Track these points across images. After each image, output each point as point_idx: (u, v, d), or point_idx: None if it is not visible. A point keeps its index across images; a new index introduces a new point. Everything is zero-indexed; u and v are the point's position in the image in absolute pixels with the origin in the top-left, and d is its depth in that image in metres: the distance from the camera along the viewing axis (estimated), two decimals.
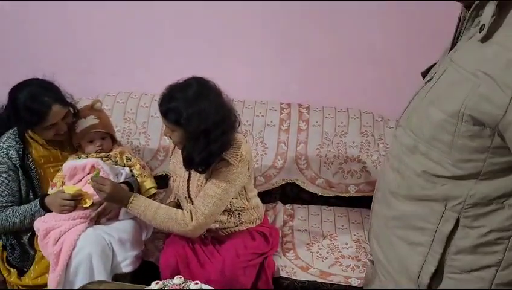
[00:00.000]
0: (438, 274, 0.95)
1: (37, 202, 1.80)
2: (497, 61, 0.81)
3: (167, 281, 1.43)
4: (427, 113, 0.91)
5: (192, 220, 1.71)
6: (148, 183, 1.94)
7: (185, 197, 1.83)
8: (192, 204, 1.79)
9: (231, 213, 1.84)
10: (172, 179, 1.93)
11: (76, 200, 1.75)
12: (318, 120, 2.35)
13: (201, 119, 1.61)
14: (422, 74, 1.08)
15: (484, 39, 0.84)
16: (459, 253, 0.92)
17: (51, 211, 1.78)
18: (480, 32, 0.85)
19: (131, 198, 1.71)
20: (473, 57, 0.86)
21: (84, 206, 1.76)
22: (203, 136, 1.64)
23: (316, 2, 2.33)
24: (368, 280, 1.19)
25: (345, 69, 2.46)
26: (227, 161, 1.70)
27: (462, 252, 0.92)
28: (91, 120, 1.88)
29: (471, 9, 0.89)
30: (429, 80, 0.97)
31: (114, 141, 2.01)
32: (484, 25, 0.84)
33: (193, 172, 1.78)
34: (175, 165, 1.89)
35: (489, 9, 0.83)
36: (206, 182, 1.75)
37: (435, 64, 1.04)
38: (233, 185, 1.74)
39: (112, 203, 1.76)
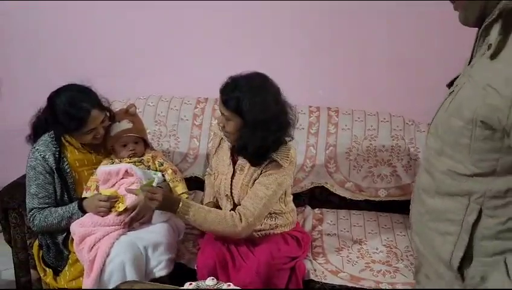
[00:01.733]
0: (466, 258, 1.08)
1: (75, 205, 1.84)
2: (501, 76, 0.96)
3: (200, 283, 1.45)
4: (449, 122, 1.08)
5: (241, 221, 1.72)
6: (180, 189, 1.96)
7: (226, 195, 1.85)
8: (233, 202, 1.82)
9: (268, 216, 1.85)
10: (213, 176, 1.94)
11: (112, 202, 1.79)
12: (347, 123, 2.33)
13: (262, 110, 1.65)
14: (447, 85, 1.21)
15: (492, 56, 0.99)
16: (483, 239, 1.06)
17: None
18: (488, 50, 1.00)
19: (181, 204, 1.71)
20: (484, 73, 1.01)
21: (118, 211, 1.79)
22: (261, 127, 1.67)
23: (345, 3, 2.32)
24: (416, 269, 1.31)
25: (374, 73, 2.44)
26: (278, 163, 1.73)
27: (486, 238, 1.06)
28: (125, 124, 1.92)
29: (481, 29, 1.04)
30: (452, 92, 1.12)
31: (147, 145, 2.04)
32: (491, 44, 0.99)
33: (238, 171, 1.81)
34: (218, 163, 1.91)
35: (495, 31, 0.99)
36: (252, 183, 1.78)
37: (459, 76, 1.17)
38: (282, 187, 1.78)
39: (162, 211, 1.78)
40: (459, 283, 1.11)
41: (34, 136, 1.93)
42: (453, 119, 1.06)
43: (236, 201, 1.84)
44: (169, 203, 1.72)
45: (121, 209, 1.78)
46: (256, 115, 1.65)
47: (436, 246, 1.13)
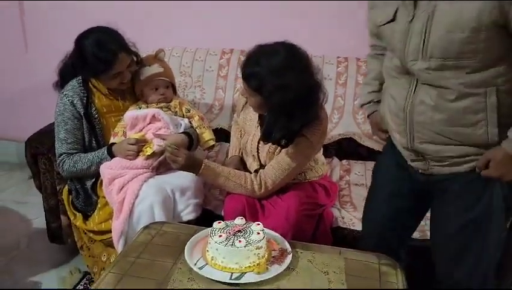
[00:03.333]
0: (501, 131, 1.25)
1: (104, 150, 1.85)
2: None
3: (229, 222, 1.45)
4: (448, 38, 1.18)
5: (261, 188, 1.72)
6: (207, 135, 1.95)
7: (253, 155, 1.83)
8: (260, 163, 1.80)
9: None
10: (240, 133, 1.91)
11: (140, 146, 1.79)
12: None
13: (284, 93, 1.53)
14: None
15: None
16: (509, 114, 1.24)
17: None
18: None
19: (203, 167, 1.71)
20: None
21: (146, 154, 1.79)
22: (284, 112, 1.58)
23: None
24: None
25: None
26: (306, 138, 1.67)
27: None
28: (156, 68, 1.90)
29: None
30: (412, 20, 1.24)
31: (175, 92, 2.02)
32: None
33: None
34: (245, 121, 1.87)
35: None
36: (279, 151, 1.74)
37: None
38: (308, 159, 1.75)
39: (183, 170, 1.76)
40: None
41: (62, 82, 1.93)
42: (453, 34, 1.17)
43: (263, 162, 1.82)
44: (191, 165, 1.72)
45: (148, 153, 1.78)
46: (278, 100, 1.54)
47: (467, 139, 1.28)
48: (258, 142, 1.80)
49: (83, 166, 1.85)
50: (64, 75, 1.92)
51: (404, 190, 1.51)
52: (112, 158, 1.84)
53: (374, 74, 1.58)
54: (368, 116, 1.65)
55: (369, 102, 1.61)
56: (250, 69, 1.57)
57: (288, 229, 1.66)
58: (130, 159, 1.79)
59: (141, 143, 1.80)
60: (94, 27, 1.83)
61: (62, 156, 1.87)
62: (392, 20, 1.32)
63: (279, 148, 1.74)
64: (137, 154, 1.79)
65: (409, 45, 1.27)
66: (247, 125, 1.85)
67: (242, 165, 1.93)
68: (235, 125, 2.06)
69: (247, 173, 1.78)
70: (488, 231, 1.37)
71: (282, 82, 1.52)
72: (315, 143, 1.70)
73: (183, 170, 1.74)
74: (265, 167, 1.76)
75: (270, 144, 1.74)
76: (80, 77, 1.89)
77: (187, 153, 1.72)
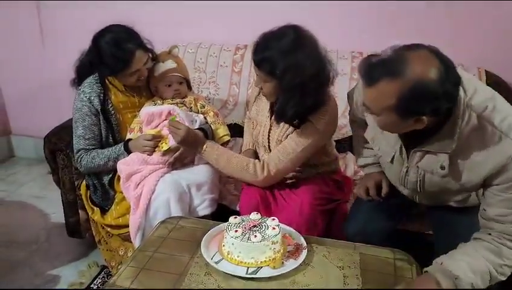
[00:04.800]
0: None
1: (121, 146, 1.88)
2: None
3: (245, 217, 1.46)
4: (446, 184, 1.42)
5: (263, 171, 1.72)
6: (222, 131, 1.97)
7: (264, 146, 1.84)
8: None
9: (313, 165, 1.83)
10: (252, 125, 1.92)
11: (156, 142, 1.81)
12: None
13: (297, 72, 1.54)
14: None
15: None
16: None
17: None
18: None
19: (205, 145, 1.74)
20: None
21: (162, 150, 1.82)
22: (298, 90, 1.58)
23: None
24: None
25: (421, 18, 2.34)
26: (312, 123, 1.67)
27: None
28: (170, 64, 1.92)
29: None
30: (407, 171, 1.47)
31: (189, 87, 2.03)
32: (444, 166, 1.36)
33: (274, 124, 1.77)
34: (257, 113, 1.87)
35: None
36: (285, 138, 1.74)
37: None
38: (314, 146, 1.72)
39: (185, 147, 1.79)
40: None
41: (79, 80, 1.95)
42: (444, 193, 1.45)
43: None
44: (193, 141, 1.74)
45: (164, 148, 1.81)
46: (292, 79, 1.55)
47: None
48: (269, 132, 1.80)
49: (100, 162, 1.88)
50: (81, 73, 1.95)
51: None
52: (128, 154, 1.86)
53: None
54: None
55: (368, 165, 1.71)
56: (261, 54, 1.58)
57: (302, 224, 1.66)
58: (148, 155, 1.81)
59: (157, 139, 1.82)
60: (111, 25, 1.85)
61: (80, 152, 1.91)
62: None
63: (285, 135, 1.74)
64: (153, 149, 1.82)
65: (407, 184, 1.49)
66: (260, 116, 1.86)
67: (255, 158, 1.93)
68: (248, 121, 2.08)
69: (250, 158, 1.79)
70: None
71: (295, 61, 1.53)
72: (321, 130, 1.68)
73: (184, 145, 1.76)
74: (271, 151, 1.77)
75: (279, 132, 1.74)
76: (97, 74, 1.92)
77: (188, 127, 1.75)
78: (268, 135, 1.81)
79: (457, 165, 1.31)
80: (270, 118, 1.80)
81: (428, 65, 1.15)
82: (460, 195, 1.47)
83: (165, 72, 1.91)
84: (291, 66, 1.54)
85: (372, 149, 1.60)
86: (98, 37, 1.84)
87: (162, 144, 1.84)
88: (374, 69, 1.19)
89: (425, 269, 1.30)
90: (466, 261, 1.25)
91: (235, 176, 1.78)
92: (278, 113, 1.68)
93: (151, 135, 1.81)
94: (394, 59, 1.17)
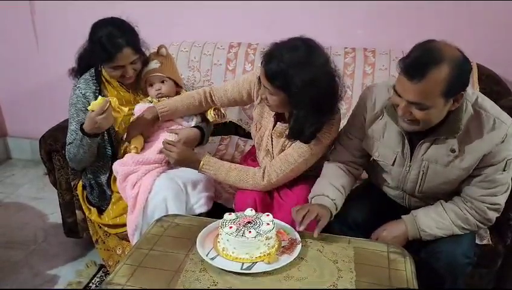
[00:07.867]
0: None
1: (78, 131, 1.81)
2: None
3: (239, 213, 1.48)
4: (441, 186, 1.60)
5: (263, 179, 1.73)
6: (210, 116, 1.97)
7: (267, 150, 1.83)
8: (273, 158, 1.80)
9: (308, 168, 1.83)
10: (254, 127, 1.90)
11: (102, 107, 1.71)
12: (385, 63, 2.26)
13: (312, 88, 1.51)
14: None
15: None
16: None
17: (93, 136, 1.79)
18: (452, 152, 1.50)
19: (202, 162, 1.75)
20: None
21: (132, 152, 1.86)
22: (314, 106, 1.56)
23: None
24: None
25: (412, 14, 2.37)
26: (317, 138, 1.66)
27: None
28: (153, 64, 1.95)
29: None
30: (409, 170, 1.60)
31: (179, 86, 2.04)
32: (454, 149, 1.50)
33: (277, 135, 1.78)
34: (261, 116, 1.85)
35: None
36: (290, 145, 1.74)
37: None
38: (316, 157, 1.73)
39: (182, 166, 1.81)
40: None
41: (78, 67, 1.98)
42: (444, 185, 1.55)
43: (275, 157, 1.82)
44: (189, 161, 1.77)
45: (133, 152, 1.86)
46: (308, 95, 1.51)
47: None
48: (272, 137, 1.80)
49: (73, 150, 1.85)
50: (80, 61, 1.97)
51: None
52: (85, 135, 1.78)
53: (342, 187, 1.67)
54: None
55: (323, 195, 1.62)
56: (274, 67, 1.52)
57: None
58: (102, 128, 1.77)
59: (103, 107, 1.71)
60: (111, 18, 1.89)
61: (68, 146, 1.90)
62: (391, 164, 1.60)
63: (289, 144, 1.74)
64: (106, 120, 1.74)
65: (406, 184, 1.60)
66: (263, 120, 1.84)
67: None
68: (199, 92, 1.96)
69: (249, 167, 1.79)
70: None
71: (310, 76, 1.50)
72: (325, 144, 1.70)
73: (181, 165, 1.79)
74: (274, 159, 1.77)
75: (284, 140, 1.74)
76: (93, 70, 1.94)
77: (182, 148, 1.76)
78: (272, 139, 1.81)
79: (461, 150, 1.46)
80: (274, 124, 1.78)
81: (454, 48, 1.35)
82: (455, 188, 1.55)
83: (146, 72, 1.96)
84: (307, 82, 1.50)
85: (339, 191, 1.64)
86: (96, 25, 1.88)
87: (131, 146, 1.87)
88: (419, 64, 1.32)
89: (402, 216, 1.60)
90: (435, 220, 1.54)
91: (236, 186, 1.80)
92: (294, 132, 1.66)
93: (95, 106, 1.72)
94: (430, 50, 1.33)
